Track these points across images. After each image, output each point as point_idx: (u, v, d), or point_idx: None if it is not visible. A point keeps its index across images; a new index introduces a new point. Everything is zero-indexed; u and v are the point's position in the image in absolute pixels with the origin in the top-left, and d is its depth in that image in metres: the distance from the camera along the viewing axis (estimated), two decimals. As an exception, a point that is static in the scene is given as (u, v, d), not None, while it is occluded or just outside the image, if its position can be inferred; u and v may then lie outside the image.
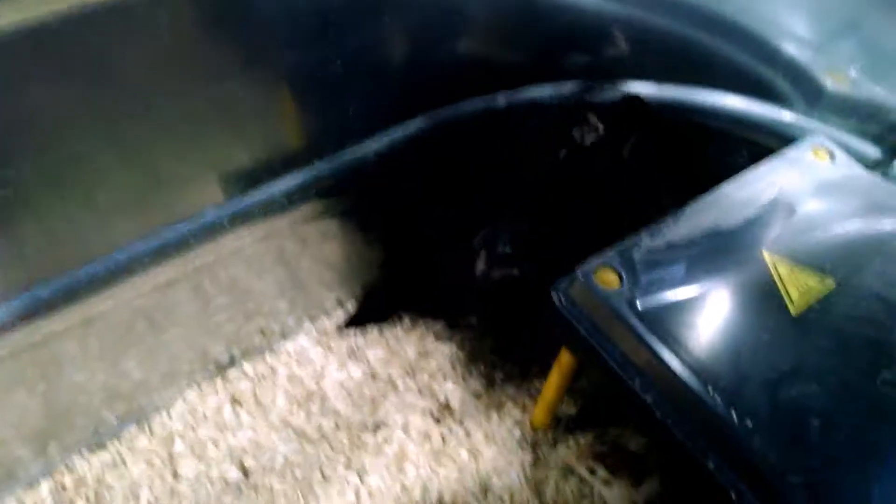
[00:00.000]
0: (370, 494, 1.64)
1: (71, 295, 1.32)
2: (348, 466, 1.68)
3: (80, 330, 1.42)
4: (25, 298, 1.27)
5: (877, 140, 1.78)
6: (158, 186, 1.33)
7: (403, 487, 1.64)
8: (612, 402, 1.86)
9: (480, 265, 1.58)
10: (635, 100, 1.69)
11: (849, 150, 1.66)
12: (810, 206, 1.48)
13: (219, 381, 1.81)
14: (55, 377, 1.51)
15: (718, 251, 1.37)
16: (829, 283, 1.34)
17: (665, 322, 1.27)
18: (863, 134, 1.78)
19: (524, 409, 1.79)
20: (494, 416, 1.78)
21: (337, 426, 1.75)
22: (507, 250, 1.56)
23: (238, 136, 1.39)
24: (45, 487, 1.62)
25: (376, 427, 1.75)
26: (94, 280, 1.33)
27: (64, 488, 1.63)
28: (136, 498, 1.61)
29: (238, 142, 1.40)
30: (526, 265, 1.55)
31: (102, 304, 1.38)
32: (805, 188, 1.51)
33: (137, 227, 1.35)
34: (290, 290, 1.82)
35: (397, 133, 1.64)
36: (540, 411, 1.68)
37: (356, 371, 1.84)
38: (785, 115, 1.78)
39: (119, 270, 1.35)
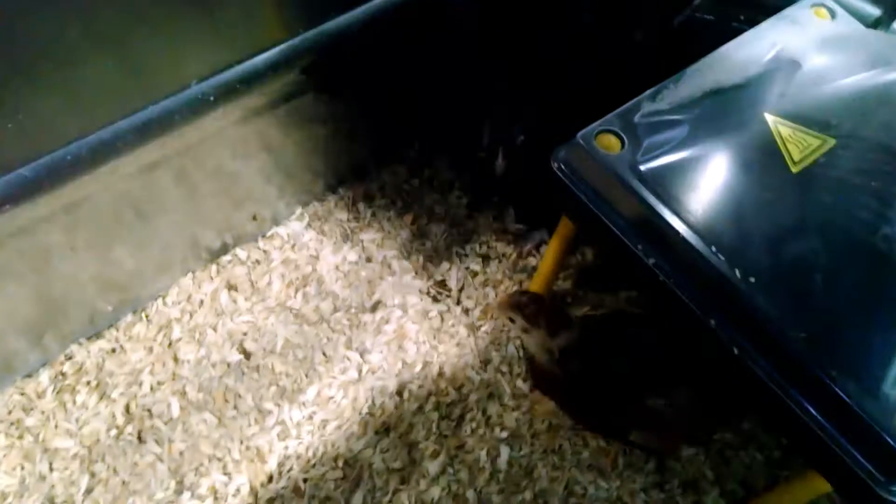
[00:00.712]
0: (372, 371, 1.66)
1: (53, 177, 1.26)
2: (349, 346, 1.69)
3: (65, 216, 1.38)
4: (5, 181, 1.22)
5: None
6: (140, 63, 1.26)
7: (405, 364, 1.66)
8: (607, 273, 1.89)
9: (499, 161, 1.53)
10: None
11: (848, 10, 1.60)
12: (812, 64, 1.43)
13: (213, 267, 1.80)
14: (45, 268, 1.48)
15: (720, 112, 1.34)
16: (831, 141, 1.32)
17: (668, 184, 1.25)
18: (863, -7, 1.72)
19: (520, 285, 1.79)
20: (491, 292, 1.78)
21: (335, 308, 1.75)
22: (521, 138, 1.51)
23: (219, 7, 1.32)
24: (44, 376, 1.62)
25: (374, 307, 1.75)
26: (76, 161, 1.27)
27: (64, 376, 1.63)
28: (139, 383, 1.62)
29: (220, 13, 1.32)
30: (541, 144, 1.50)
31: (87, 186, 1.33)
32: (806, 46, 1.46)
33: (120, 105, 1.29)
34: (277, 175, 1.78)
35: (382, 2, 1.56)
36: (536, 283, 1.68)
37: (351, 254, 1.82)
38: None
39: (102, 150, 1.29)
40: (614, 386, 1.41)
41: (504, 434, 1.57)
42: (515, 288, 1.79)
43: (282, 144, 1.69)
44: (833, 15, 1.56)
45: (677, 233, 1.22)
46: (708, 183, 1.26)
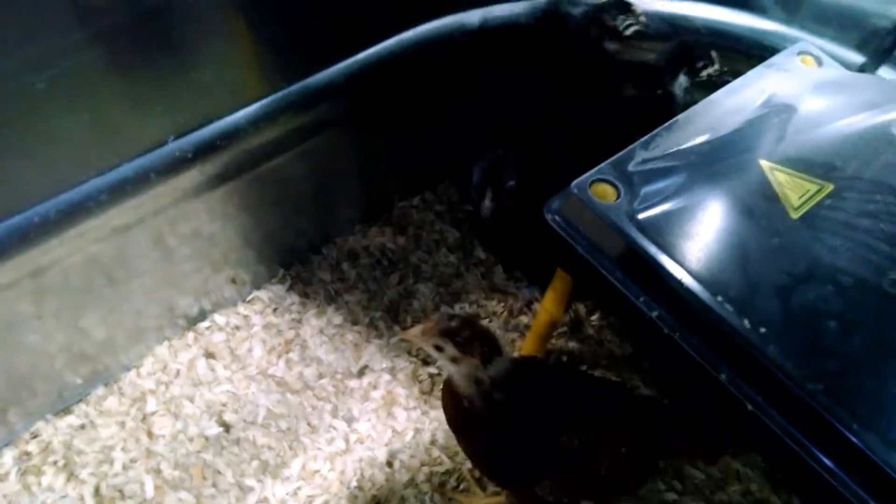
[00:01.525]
0: (360, 441, 1.56)
1: (20, 240, 1.20)
2: (335, 414, 1.60)
3: (32, 281, 1.30)
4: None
5: (859, 47, 1.73)
6: (114, 118, 1.21)
7: (395, 432, 1.57)
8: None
9: (487, 203, 1.48)
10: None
11: (833, 58, 1.60)
12: (804, 109, 1.41)
13: (190, 334, 1.71)
14: (10, 338, 1.39)
15: (715, 159, 1.30)
16: (829, 186, 1.29)
17: (667, 233, 1.20)
18: (844, 41, 1.73)
19: (513, 344, 1.72)
20: (483, 353, 1.71)
21: (320, 374, 1.66)
22: (512, 183, 1.47)
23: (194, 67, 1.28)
24: (8, 456, 1.50)
25: (361, 372, 1.66)
26: (45, 223, 1.21)
27: (28, 456, 1.51)
28: (110, 461, 1.50)
29: (197, 68, 1.28)
30: (532, 194, 1.45)
31: (56, 250, 1.27)
32: (797, 92, 1.45)
33: (93, 163, 1.23)
34: (258, 236, 1.71)
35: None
36: (530, 343, 1.61)
37: (336, 317, 1.75)
38: (766, 25, 1.72)
39: (73, 211, 1.23)
40: (535, 422, 1.25)
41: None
42: (516, 351, 1.71)
43: (261, 204, 1.63)
44: (819, 62, 1.55)
45: (681, 283, 1.16)
46: (708, 231, 1.22)
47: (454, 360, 1.21)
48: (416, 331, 1.22)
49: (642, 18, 1.54)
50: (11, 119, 1.08)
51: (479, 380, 1.21)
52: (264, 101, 1.40)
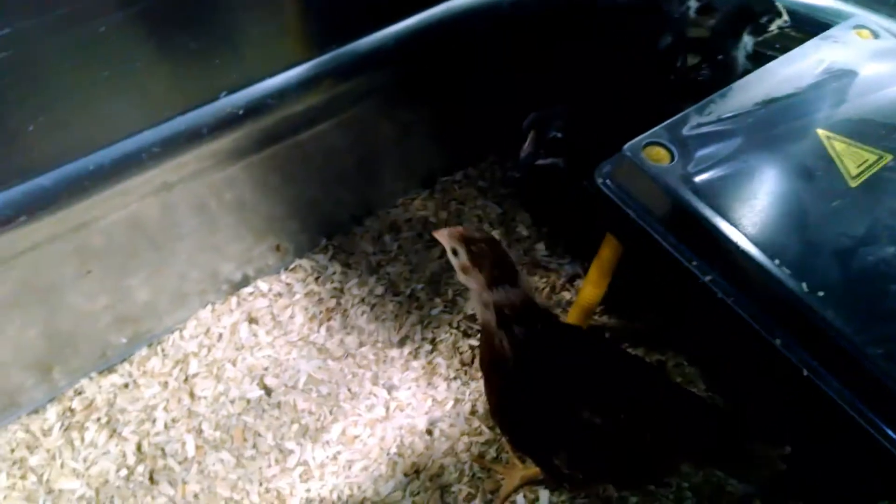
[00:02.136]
0: (400, 409, 1.55)
1: (74, 189, 1.21)
2: (375, 382, 1.59)
3: (81, 235, 1.31)
4: (23, 191, 1.16)
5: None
6: (169, 70, 1.22)
7: (434, 401, 1.56)
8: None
9: (526, 148, 1.46)
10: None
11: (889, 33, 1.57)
12: (861, 79, 1.38)
13: (233, 299, 1.72)
14: (57, 294, 1.40)
15: (772, 124, 1.27)
16: (888, 156, 1.26)
17: (722, 195, 1.18)
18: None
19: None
20: (524, 328, 1.69)
21: (360, 342, 1.65)
22: (557, 135, 1.45)
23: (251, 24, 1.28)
24: (52, 412, 1.52)
25: (402, 342, 1.66)
26: (98, 172, 1.21)
27: (72, 412, 1.53)
28: (152, 420, 1.52)
29: (251, 26, 1.28)
30: (576, 153, 1.43)
31: (107, 202, 1.28)
32: (854, 63, 1.42)
33: (146, 115, 1.24)
34: (301, 206, 1.71)
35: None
36: (574, 315, 1.59)
37: (377, 287, 1.74)
38: (820, 1, 1.69)
39: (126, 162, 1.24)
40: (560, 390, 1.20)
41: (542, 476, 1.46)
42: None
43: (305, 173, 1.63)
44: (876, 35, 1.51)
45: (737, 246, 1.14)
46: (764, 194, 1.19)
47: (464, 270, 1.18)
48: (444, 230, 1.22)
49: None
50: (72, 63, 1.09)
51: (486, 302, 1.17)
52: (312, 63, 1.40)
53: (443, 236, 1.21)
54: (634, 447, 1.21)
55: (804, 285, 1.09)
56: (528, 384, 1.20)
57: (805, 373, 1.10)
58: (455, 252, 1.19)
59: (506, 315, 1.17)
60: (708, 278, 1.18)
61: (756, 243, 1.13)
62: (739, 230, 1.14)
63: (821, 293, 1.08)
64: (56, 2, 1.01)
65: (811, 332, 1.10)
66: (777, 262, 1.11)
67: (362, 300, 1.73)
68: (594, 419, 1.18)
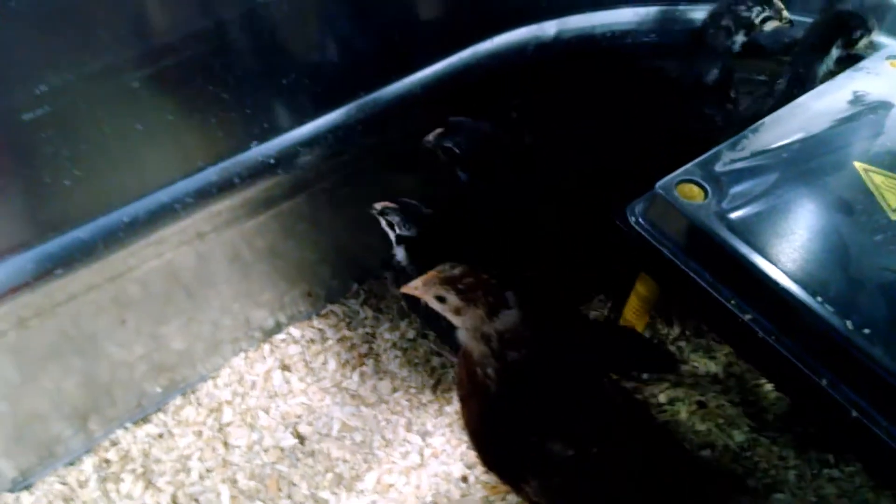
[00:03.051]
0: (435, 455, 1.53)
1: (109, 240, 1.22)
2: (409, 429, 1.57)
3: (117, 285, 1.32)
4: (60, 243, 1.18)
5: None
6: (201, 121, 1.24)
7: (469, 446, 1.53)
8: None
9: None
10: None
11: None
12: (898, 112, 1.36)
13: (266, 346, 1.71)
14: (93, 344, 1.41)
15: (807, 158, 1.25)
16: (931, 188, 1.23)
17: (760, 232, 1.16)
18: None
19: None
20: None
21: (394, 388, 1.64)
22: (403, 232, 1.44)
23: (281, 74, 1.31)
24: (88, 463, 1.52)
25: (435, 386, 1.64)
26: (133, 223, 1.23)
27: (108, 463, 1.53)
28: (187, 470, 1.51)
29: (280, 76, 1.31)
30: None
31: (141, 252, 1.29)
32: (889, 95, 1.39)
33: (180, 165, 1.26)
34: (332, 251, 1.72)
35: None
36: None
37: (409, 331, 1.73)
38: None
39: (160, 212, 1.25)
40: (531, 410, 1.15)
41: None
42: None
43: (336, 219, 1.64)
44: (911, 66, 1.49)
45: (776, 283, 1.11)
46: (803, 230, 1.17)
47: (457, 312, 1.12)
48: (416, 283, 1.14)
49: (779, 5, 1.51)
50: (106, 117, 1.11)
51: (487, 335, 1.12)
52: (341, 111, 1.41)
53: (420, 290, 1.15)
54: (605, 484, 1.15)
55: (848, 323, 1.06)
56: (505, 410, 1.15)
57: (854, 413, 1.06)
58: (441, 299, 1.13)
59: (505, 340, 1.12)
60: (748, 317, 1.15)
61: (796, 280, 1.11)
62: (778, 267, 1.12)
63: (866, 330, 1.05)
64: (90, 58, 1.04)
65: (858, 371, 1.06)
66: (819, 299, 1.08)
67: (394, 345, 1.72)
68: (566, 451, 1.13)
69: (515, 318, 1.13)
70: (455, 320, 1.14)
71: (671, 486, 1.18)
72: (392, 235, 1.43)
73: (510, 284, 1.15)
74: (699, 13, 1.65)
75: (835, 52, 1.52)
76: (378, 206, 1.41)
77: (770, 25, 1.56)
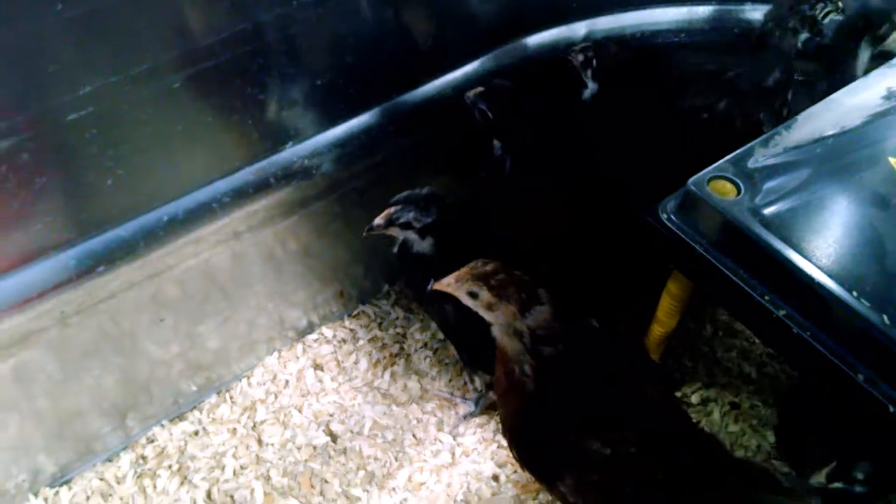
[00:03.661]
0: (465, 454, 1.53)
1: (149, 238, 1.25)
2: (440, 428, 1.58)
3: (156, 283, 1.35)
4: (102, 241, 1.21)
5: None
6: (239, 121, 1.26)
7: (500, 446, 1.54)
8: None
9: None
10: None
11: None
12: (935, 108, 1.35)
13: (299, 346, 1.73)
14: (132, 342, 1.44)
15: (842, 153, 1.25)
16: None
17: (794, 227, 1.15)
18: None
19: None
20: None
21: (424, 388, 1.65)
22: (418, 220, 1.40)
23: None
24: (125, 460, 1.55)
25: (465, 386, 1.65)
26: (173, 222, 1.26)
27: (145, 459, 1.55)
28: (222, 467, 1.53)
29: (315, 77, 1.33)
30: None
31: (180, 251, 1.31)
32: (925, 91, 1.39)
33: (217, 165, 1.28)
34: (364, 252, 1.74)
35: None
36: (649, 347, 1.56)
37: (439, 331, 1.74)
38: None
39: (198, 211, 1.28)
40: (567, 409, 1.14)
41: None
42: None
43: (369, 221, 1.65)
44: (946, 63, 1.48)
45: (811, 278, 1.11)
46: (838, 224, 1.16)
47: (490, 307, 1.13)
48: (449, 279, 1.15)
49: (840, 4, 1.49)
50: (148, 118, 1.14)
51: (519, 331, 1.12)
52: (372, 112, 1.43)
53: (452, 287, 1.15)
54: (643, 483, 1.14)
55: (885, 317, 1.05)
56: (542, 408, 1.15)
57: (892, 409, 1.05)
58: (473, 294, 1.13)
59: (538, 337, 1.12)
60: (782, 313, 1.15)
61: (832, 275, 1.10)
62: (813, 262, 1.11)
63: (904, 325, 1.04)
64: (133, 59, 1.07)
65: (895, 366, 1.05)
66: (855, 294, 1.07)
67: (425, 345, 1.73)
68: (603, 450, 1.12)
69: (548, 314, 1.13)
70: (488, 316, 1.15)
71: (708, 485, 1.18)
72: (414, 235, 1.39)
73: (542, 281, 1.16)
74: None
75: (864, 49, 1.50)
76: (380, 220, 1.37)
77: (830, 18, 1.52)
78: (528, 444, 1.21)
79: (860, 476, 1.23)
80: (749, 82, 1.59)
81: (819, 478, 1.26)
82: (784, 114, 1.58)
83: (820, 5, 1.51)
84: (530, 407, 1.17)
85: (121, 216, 1.21)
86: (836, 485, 1.25)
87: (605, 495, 1.17)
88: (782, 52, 1.55)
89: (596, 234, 1.48)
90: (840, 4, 1.50)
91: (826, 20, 1.51)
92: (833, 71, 1.51)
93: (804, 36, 1.53)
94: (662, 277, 1.44)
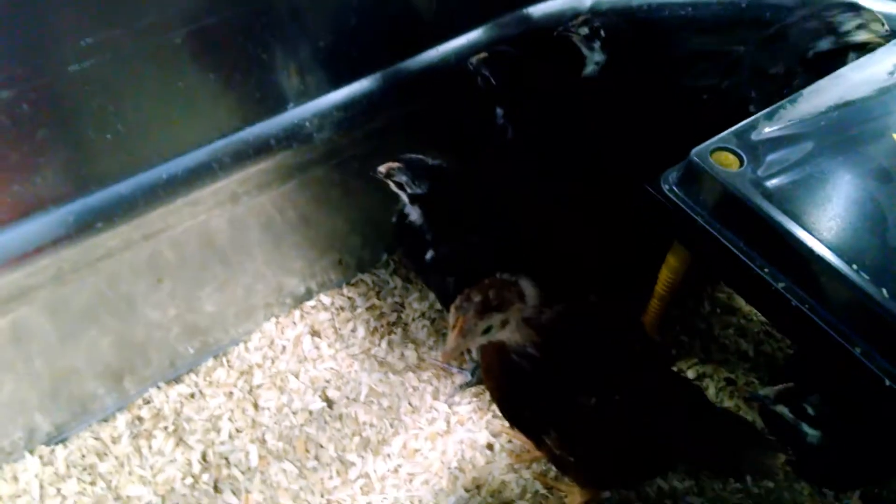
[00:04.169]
0: (461, 423, 1.54)
1: (149, 196, 1.24)
2: (436, 396, 1.59)
3: (154, 243, 1.35)
4: (101, 197, 1.20)
5: None
6: (241, 82, 1.25)
7: (495, 415, 1.54)
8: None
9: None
10: None
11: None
12: (942, 85, 1.34)
13: (296, 313, 1.73)
14: (130, 302, 1.44)
15: (845, 128, 1.24)
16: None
17: (796, 200, 1.15)
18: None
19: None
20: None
21: (421, 357, 1.65)
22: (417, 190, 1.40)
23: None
24: (121, 420, 1.55)
25: (462, 356, 1.65)
26: (172, 181, 1.25)
27: (141, 420, 1.56)
28: (217, 430, 1.53)
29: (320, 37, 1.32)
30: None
31: (179, 211, 1.31)
32: (932, 68, 1.38)
33: (217, 125, 1.28)
34: (363, 221, 1.73)
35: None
36: (648, 323, 1.56)
37: (437, 301, 1.74)
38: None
39: (198, 171, 1.27)
40: (556, 365, 1.14)
41: (608, 494, 1.42)
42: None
43: (367, 190, 1.64)
44: (954, 40, 1.46)
45: (811, 251, 1.10)
46: (840, 197, 1.16)
47: (504, 323, 1.13)
48: (452, 344, 1.13)
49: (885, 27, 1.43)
50: (149, 73, 1.13)
51: (528, 319, 1.13)
52: (376, 76, 1.42)
53: (465, 342, 1.14)
54: (628, 434, 1.17)
55: (884, 291, 1.05)
56: (532, 371, 1.15)
57: (888, 382, 1.05)
58: (488, 328, 1.12)
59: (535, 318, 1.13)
60: (781, 285, 1.15)
61: (832, 248, 1.10)
62: (814, 235, 1.11)
63: (903, 299, 1.04)
64: (137, 13, 1.06)
65: (893, 339, 1.05)
66: (855, 267, 1.07)
67: (423, 314, 1.73)
68: (588, 400, 1.14)
69: (536, 295, 1.14)
70: (506, 334, 1.14)
71: (692, 435, 1.20)
72: (404, 197, 1.41)
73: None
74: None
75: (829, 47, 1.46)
76: (382, 168, 1.38)
77: (862, 36, 1.43)
78: (515, 402, 1.22)
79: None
80: (753, 67, 1.57)
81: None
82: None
83: (848, 15, 1.44)
84: (519, 372, 1.17)
85: (120, 173, 1.20)
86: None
87: (589, 446, 1.20)
88: (797, 50, 1.49)
89: (596, 207, 1.48)
90: (883, 26, 1.42)
91: (857, 35, 1.43)
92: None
93: (826, 45, 1.45)
94: (662, 252, 1.44)
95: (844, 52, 1.44)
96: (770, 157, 1.20)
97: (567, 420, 1.16)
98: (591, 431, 1.16)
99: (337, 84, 1.38)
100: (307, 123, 1.35)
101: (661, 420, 1.16)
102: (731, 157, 1.21)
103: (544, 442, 1.19)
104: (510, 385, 1.21)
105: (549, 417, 1.17)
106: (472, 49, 1.53)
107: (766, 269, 1.15)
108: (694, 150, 1.22)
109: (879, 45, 1.41)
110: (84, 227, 1.21)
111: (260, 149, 1.32)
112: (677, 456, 1.27)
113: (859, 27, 1.44)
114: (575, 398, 1.14)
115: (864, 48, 1.43)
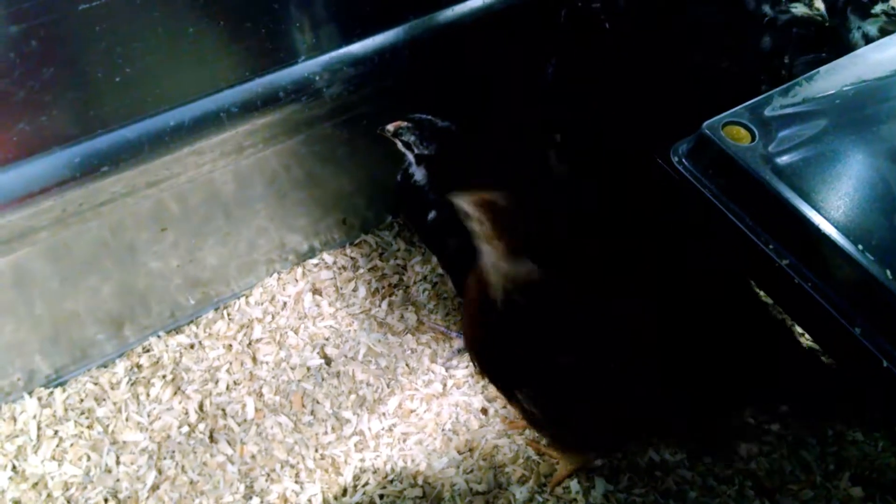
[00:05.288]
0: (457, 386, 1.55)
1: (154, 142, 1.23)
2: (434, 359, 1.59)
3: (159, 191, 1.34)
4: (107, 141, 1.20)
5: None
6: (251, 32, 1.24)
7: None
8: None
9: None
10: None
11: None
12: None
13: (299, 269, 1.74)
14: (133, 250, 1.44)
15: (859, 107, 1.22)
16: None
17: (805, 177, 1.14)
18: None
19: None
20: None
21: (420, 319, 1.66)
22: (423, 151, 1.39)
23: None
24: (120, 367, 1.57)
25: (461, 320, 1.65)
26: (178, 128, 1.24)
27: (140, 368, 1.57)
28: (215, 381, 1.55)
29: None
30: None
31: (184, 160, 1.30)
32: (953, 51, 1.36)
33: (226, 75, 1.26)
34: (369, 182, 1.73)
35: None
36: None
37: (439, 266, 1.74)
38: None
39: (204, 119, 1.26)
40: (533, 324, 1.14)
41: (599, 462, 1.43)
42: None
43: (372, 150, 1.64)
44: (977, 26, 1.44)
45: (818, 229, 1.10)
46: (850, 177, 1.15)
47: (488, 240, 1.10)
48: (470, 196, 1.09)
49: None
50: (160, 16, 1.12)
51: (506, 275, 1.11)
52: (389, 33, 1.40)
53: (469, 203, 1.09)
54: (600, 394, 1.18)
55: (888, 272, 1.05)
56: (510, 324, 1.15)
57: (885, 363, 1.05)
58: (480, 222, 1.10)
59: (516, 287, 1.11)
60: (785, 262, 1.14)
61: (838, 227, 1.09)
62: (821, 213, 1.10)
63: (907, 281, 1.04)
64: (150, -46, 1.05)
65: (894, 321, 1.05)
66: (860, 247, 1.07)
67: (424, 278, 1.73)
68: (561, 359, 1.16)
69: (534, 274, 1.11)
70: (483, 247, 1.12)
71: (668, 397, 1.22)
72: (411, 157, 1.40)
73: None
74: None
75: (853, 20, 1.43)
76: (390, 127, 1.37)
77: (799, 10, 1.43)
78: (488, 354, 1.24)
79: None
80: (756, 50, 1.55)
81: None
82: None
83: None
84: (494, 323, 1.17)
85: (127, 117, 1.19)
86: None
87: (561, 404, 1.22)
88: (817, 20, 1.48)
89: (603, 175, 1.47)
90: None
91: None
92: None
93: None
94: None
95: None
96: (782, 133, 1.18)
97: (543, 378, 1.17)
98: (566, 392, 1.17)
99: (349, 39, 1.36)
100: (317, 77, 1.34)
101: (636, 385, 1.17)
102: (743, 131, 1.20)
103: (515, 396, 1.21)
104: (489, 330, 1.21)
105: (525, 372, 1.18)
106: (489, 9, 1.51)
107: (770, 245, 1.15)
108: (706, 123, 1.20)
109: (818, 22, 1.42)
110: (90, 169, 1.20)
111: (268, 100, 1.31)
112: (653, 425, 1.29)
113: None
114: (554, 357, 1.15)
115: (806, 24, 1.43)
